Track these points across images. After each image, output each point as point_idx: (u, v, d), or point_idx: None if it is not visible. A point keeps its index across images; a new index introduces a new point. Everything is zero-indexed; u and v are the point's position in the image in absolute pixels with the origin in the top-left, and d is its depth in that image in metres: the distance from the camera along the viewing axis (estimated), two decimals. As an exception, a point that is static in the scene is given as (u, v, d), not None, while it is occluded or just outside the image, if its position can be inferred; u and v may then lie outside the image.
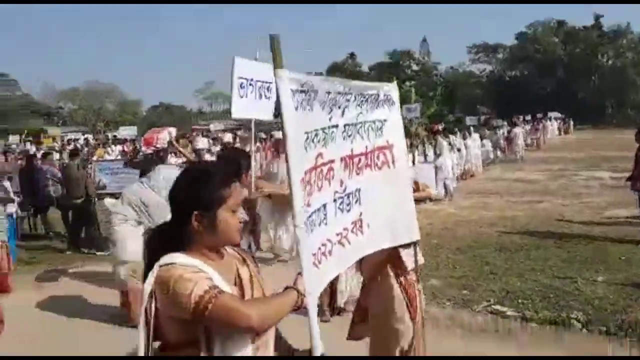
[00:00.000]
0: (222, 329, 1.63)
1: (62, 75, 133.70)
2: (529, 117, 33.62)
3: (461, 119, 28.24)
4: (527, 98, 54.28)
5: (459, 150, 15.90)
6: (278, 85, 1.91)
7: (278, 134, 9.96)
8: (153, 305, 1.65)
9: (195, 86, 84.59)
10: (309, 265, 1.94)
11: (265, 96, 4.83)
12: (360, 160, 2.45)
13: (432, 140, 15.40)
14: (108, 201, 6.39)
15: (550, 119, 35.14)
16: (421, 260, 3.24)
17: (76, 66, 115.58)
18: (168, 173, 5.45)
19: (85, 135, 34.92)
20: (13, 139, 31.08)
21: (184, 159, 8.68)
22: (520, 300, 5.43)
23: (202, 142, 8.72)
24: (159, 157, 7.30)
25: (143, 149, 6.03)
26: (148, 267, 1.72)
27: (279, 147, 7.55)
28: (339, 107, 2.30)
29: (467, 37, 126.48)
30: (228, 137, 10.79)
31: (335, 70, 62.99)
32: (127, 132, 20.04)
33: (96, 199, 9.18)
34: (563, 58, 62.60)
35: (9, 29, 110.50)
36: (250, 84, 4.62)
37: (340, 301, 5.11)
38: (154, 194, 5.26)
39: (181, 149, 7.61)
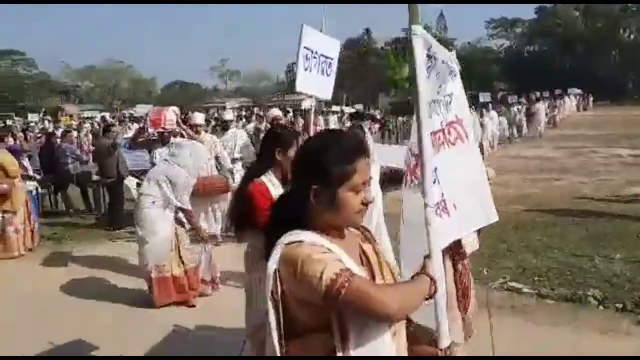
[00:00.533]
0: (357, 314, 1.48)
1: (79, 54, 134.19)
2: (547, 94, 33.06)
3: (477, 96, 27.68)
4: (546, 74, 53.33)
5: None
6: (414, 43, 1.78)
7: (277, 112, 9.83)
8: (279, 286, 1.51)
9: (211, 64, 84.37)
10: (437, 249, 1.79)
11: (327, 73, 4.40)
12: (439, 137, 2.25)
13: None
14: (130, 181, 6.35)
15: (569, 95, 34.51)
16: (476, 245, 3.01)
17: (92, 45, 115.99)
18: (195, 150, 5.37)
19: (103, 114, 35.24)
20: (32, 117, 31.45)
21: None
22: (536, 278, 5.43)
23: (199, 118, 8.39)
24: (163, 139, 6.98)
25: (150, 130, 5.65)
26: (269, 244, 1.59)
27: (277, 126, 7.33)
28: (444, 81, 2.19)
29: (486, 12, 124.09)
30: (277, 112, 10.29)
31: (351, 46, 62.34)
32: (144, 110, 20.05)
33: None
34: (584, 33, 61.26)
35: (26, 9, 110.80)
36: (314, 57, 4.18)
37: None
38: (184, 172, 5.12)
39: (189, 131, 7.13)
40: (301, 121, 24.22)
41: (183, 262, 5.20)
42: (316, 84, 4.28)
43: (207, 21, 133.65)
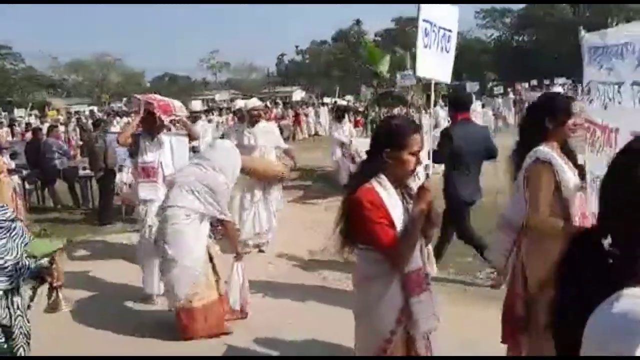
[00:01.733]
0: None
1: (66, 48, 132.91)
2: (535, 83, 33.08)
3: (464, 86, 27.38)
4: (536, 64, 53.50)
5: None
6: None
7: (242, 103, 8.63)
8: None
9: (200, 55, 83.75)
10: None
11: (446, 49, 3.63)
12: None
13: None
14: (143, 186, 5.33)
15: (557, 85, 34.56)
16: None
17: (80, 39, 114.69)
18: (232, 151, 4.70)
19: (91, 107, 34.96)
20: (18, 112, 31.13)
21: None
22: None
23: (198, 105, 8.42)
24: (154, 129, 5.49)
25: (163, 117, 5.27)
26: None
27: (254, 116, 6.90)
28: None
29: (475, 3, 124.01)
30: (256, 102, 9.97)
31: (341, 37, 62.20)
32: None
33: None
34: (572, 22, 61.47)
35: (12, 2, 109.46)
36: (433, 31, 3.45)
37: None
38: (222, 177, 4.41)
39: (187, 122, 6.14)
40: (292, 113, 24.24)
41: (217, 282, 4.46)
42: (435, 63, 3.60)
43: (196, 12, 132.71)
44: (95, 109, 32.92)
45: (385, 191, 2.42)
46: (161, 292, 4.95)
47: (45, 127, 13.80)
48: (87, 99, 52.90)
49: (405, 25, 67.49)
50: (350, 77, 44.83)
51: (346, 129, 10.83)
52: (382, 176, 2.44)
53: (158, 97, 5.65)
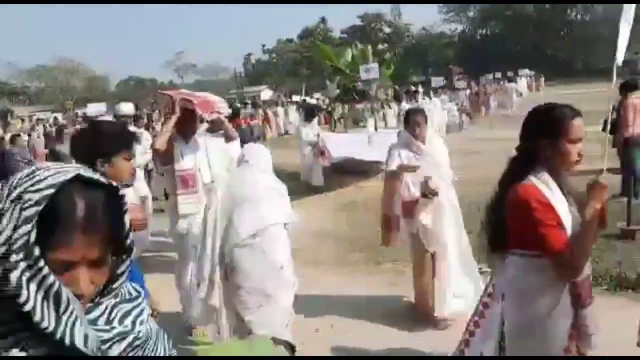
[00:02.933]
0: None
1: (26, 55, 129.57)
2: (499, 75, 33.42)
3: (429, 81, 26.55)
4: (499, 56, 54.45)
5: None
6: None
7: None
8: None
9: (165, 57, 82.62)
10: None
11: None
12: None
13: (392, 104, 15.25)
14: (185, 198, 4.47)
15: (521, 77, 35.17)
16: None
17: (40, 45, 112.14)
18: (259, 149, 3.79)
19: (54, 114, 34.18)
20: (-21, 122, 30.25)
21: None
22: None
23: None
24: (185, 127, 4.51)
25: (205, 116, 4.44)
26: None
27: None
28: None
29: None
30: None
31: (307, 35, 62.27)
32: (96, 109, 19.26)
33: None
34: (533, 14, 62.71)
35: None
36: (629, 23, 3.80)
37: None
38: (273, 179, 3.64)
39: (225, 121, 4.86)
40: (261, 112, 24.13)
41: None
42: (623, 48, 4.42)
43: (160, 13, 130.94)
44: (59, 115, 32.21)
45: (548, 189, 2.10)
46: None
47: (7, 137, 13.46)
48: (51, 105, 51.75)
49: (370, 21, 68.03)
50: (318, 74, 44.93)
51: (315, 129, 10.72)
52: (542, 171, 2.13)
53: (187, 91, 4.98)
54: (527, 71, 37.94)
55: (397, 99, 16.32)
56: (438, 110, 17.12)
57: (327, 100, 19.68)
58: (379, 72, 12.82)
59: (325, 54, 15.07)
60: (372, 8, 69.12)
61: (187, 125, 4.43)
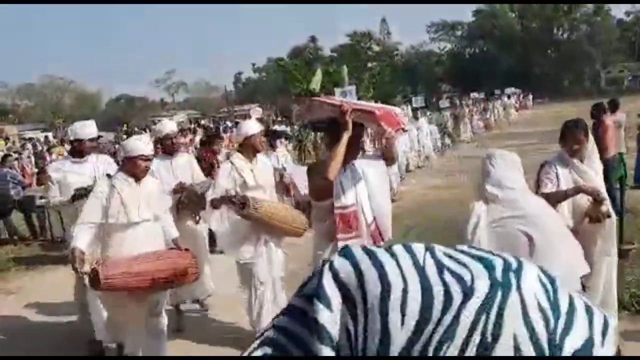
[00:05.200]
0: None
1: (15, 72, 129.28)
2: (482, 95, 33.44)
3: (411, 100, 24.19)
4: (487, 75, 55.23)
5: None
6: None
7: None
8: None
9: (156, 76, 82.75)
10: None
11: None
12: None
13: None
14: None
15: (508, 96, 35.59)
16: None
17: (29, 62, 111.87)
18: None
19: (45, 133, 34.13)
20: (-32, 141, 30.12)
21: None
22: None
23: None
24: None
25: (392, 133, 3.27)
26: None
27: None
28: None
29: (426, 16, 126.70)
30: (171, 127, 8.42)
31: (296, 54, 62.69)
32: (87, 130, 19.13)
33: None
34: (520, 33, 63.76)
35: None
36: None
37: None
38: None
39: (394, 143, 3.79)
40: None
41: None
42: None
43: (151, 31, 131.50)
44: (50, 135, 32.15)
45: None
46: None
47: (-3, 157, 13.46)
48: (41, 124, 51.57)
49: (359, 40, 68.70)
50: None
51: (281, 158, 8.60)
52: None
53: (355, 101, 3.86)
54: (512, 89, 38.42)
55: None
56: (425, 134, 15.79)
57: (293, 126, 18.04)
58: (357, 95, 11.49)
59: (295, 78, 14.73)
60: (361, 27, 69.92)
61: (350, 146, 3.29)
